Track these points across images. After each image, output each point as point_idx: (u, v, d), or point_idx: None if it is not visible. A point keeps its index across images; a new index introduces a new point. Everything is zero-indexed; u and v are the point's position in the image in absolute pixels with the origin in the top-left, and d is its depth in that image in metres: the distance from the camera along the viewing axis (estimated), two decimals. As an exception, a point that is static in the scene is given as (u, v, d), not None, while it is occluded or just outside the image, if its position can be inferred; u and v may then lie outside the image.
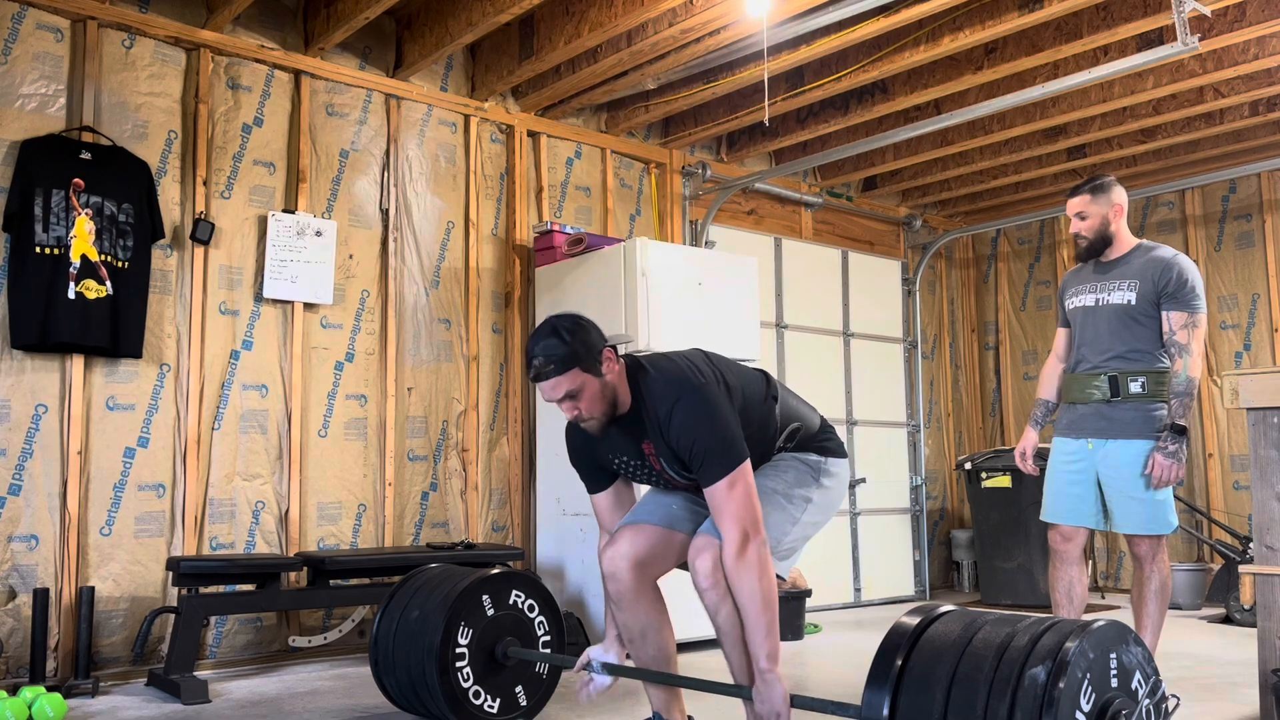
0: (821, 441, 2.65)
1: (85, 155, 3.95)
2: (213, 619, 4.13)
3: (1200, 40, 4.28)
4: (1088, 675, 1.76)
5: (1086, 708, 1.75)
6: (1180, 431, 3.23)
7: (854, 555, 6.34)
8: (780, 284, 6.18)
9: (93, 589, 3.80)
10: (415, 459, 4.80)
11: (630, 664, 2.65)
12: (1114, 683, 1.83)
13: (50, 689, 3.36)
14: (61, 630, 3.81)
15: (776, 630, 2.31)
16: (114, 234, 3.99)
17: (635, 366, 2.49)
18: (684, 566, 2.55)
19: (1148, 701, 1.88)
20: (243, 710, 3.43)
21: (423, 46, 4.71)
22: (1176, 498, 4.04)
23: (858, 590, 6.32)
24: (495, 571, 3.12)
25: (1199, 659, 4.20)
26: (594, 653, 2.64)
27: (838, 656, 4.49)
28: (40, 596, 3.66)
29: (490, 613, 3.02)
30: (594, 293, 4.70)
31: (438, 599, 3.00)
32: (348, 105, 4.77)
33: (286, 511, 4.41)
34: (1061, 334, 3.70)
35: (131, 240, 4.03)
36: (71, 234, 3.89)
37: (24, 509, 3.81)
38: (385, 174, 4.86)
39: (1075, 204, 3.52)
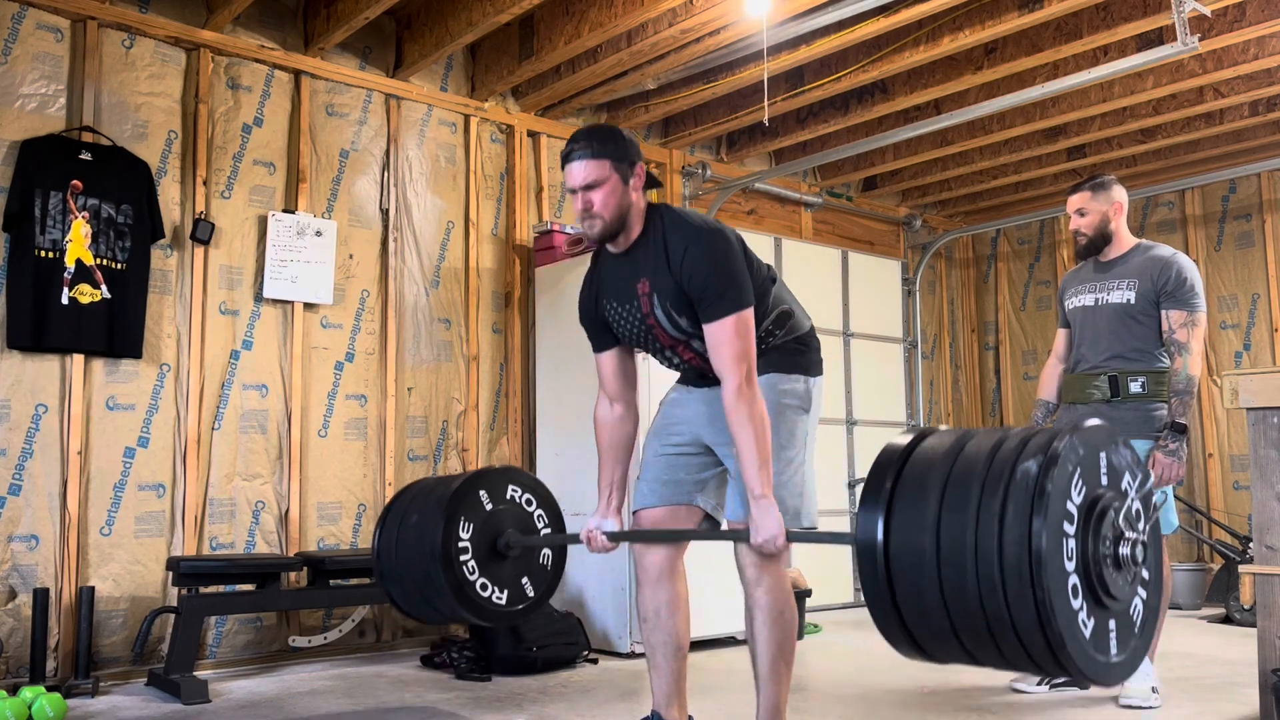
0: (808, 356, 2.65)
1: (85, 155, 3.95)
2: (213, 619, 4.13)
3: (1200, 40, 4.28)
4: (1078, 469, 1.79)
5: (1077, 499, 1.78)
6: (1181, 430, 3.23)
7: (854, 555, 6.34)
8: (780, 284, 6.17)
9: (93, 589, 3.80)
10: (415, 459, 4.80)
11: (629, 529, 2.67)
12: (1104, 480, 1.86)
13: (50, 689, 3.36)
14: (61, 630, 3.81)
15: (770, 464, 2.36)
16: (111, 236, 3.99)
17: (658, 205, 2.56)
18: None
19: (1136, 499, 1.90)
20: (243, 710, 3.43)
21: (423, 46, 4.71)
22: (1176, 498, 4.04)
23: (858, 590, 6.32)
24: (490, 467, 3.09)
25: (1199, 659, 4.20)
26: (594, 522, 2.66)
27: (838, 656, 4.49)
28: (40, 596, 3.66)
29: (489, 507, 2.99)
30: (594, 293, 4.70)
31: (435, 500, 2.97)
32: (348, 105, 4.77)
33: (286, 511, 4.41)
34: (1061, 334, 3.70)
35: (130, 241, 4.03)
36: (67, 238, 3.89)
37: (24, 509, 3.81)
38: (385, 174, 4.86)
39: (1075, 200, 3.53)
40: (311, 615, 4.42)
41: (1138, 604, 1.90)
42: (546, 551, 3.07)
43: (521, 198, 5.28)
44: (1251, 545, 5.16)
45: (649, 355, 2.68)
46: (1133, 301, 3.39)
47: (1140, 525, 1.89)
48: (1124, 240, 3.51)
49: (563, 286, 4.93)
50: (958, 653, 1.87)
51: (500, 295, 5.19)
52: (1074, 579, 1.75)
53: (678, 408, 2.67)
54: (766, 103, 5.07)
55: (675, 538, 2.57)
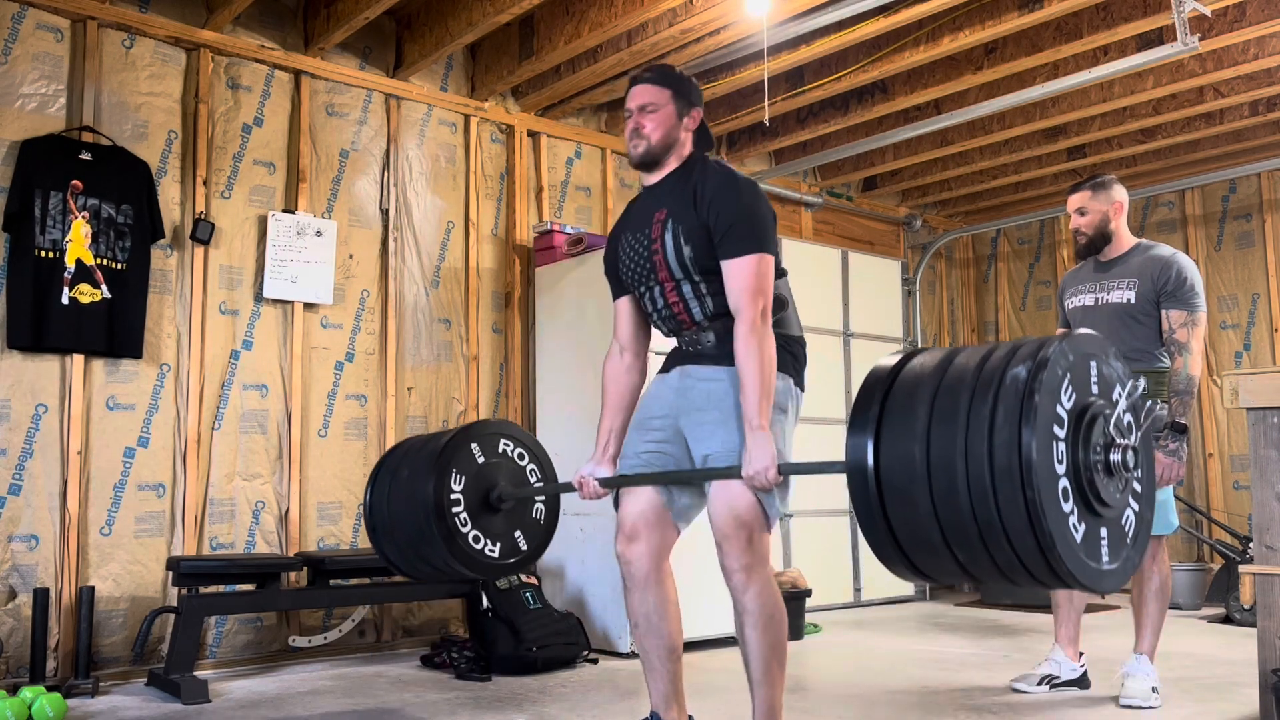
0: (790, 359, 2.62)
1: (85, 155, 3.95)
2: (213, 619, 4.13)
3: (1200, 40, 4.29)
4: (1068, 375, 1.79)
5: (1068, 405, 1.78)
6: (1181, 430, 3.23)
7: (854, 555, 6.34)
8: (780, 284, 6.17)
9: (93, 589, 3.80)
10: (415, 459, 4.80)
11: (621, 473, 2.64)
12: (1095, 389, 1.85)
13: (50, 689, 3.36)
14: (61, 630, 3.81)
15: (771, 399, 2.39)
16: (111, 236, 3.99)
17: (704, 155, 2.62)
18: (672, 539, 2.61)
19: (1127, 409, 1.89)
20: (243, 710, 3.43)
21: (423, 46, 4.71)
22: (1176, 498, 4.04)
23: (858, 590, 6.32)
24: (483, 420, 3.08)
25: (1199, 659, 4.20)
26: (587, 469, 2.68)
27: (838, 656, 4.49)
28: (40, 596, 3.66)
29: (480, 460, 2.97)
30: (594, 293, 4.70)
31: (426, 454, 2.95)
32: (348, 105, 4.77)
33: (286, 511, 4.41)
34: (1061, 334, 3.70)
35: (129, 241, 4.03)
36: (67, 238, 3.89)
37: (24, 509, 3.81)
38: (385, 174, 4.86)
39: (1075, 200, 3.54)
40: (311, 615, 4.42)
41: (1129, 515, 1.88)
42: (539, 506, 3.06)
43: (521, 198, 5.28)
44: (1251, 545, 5.17)
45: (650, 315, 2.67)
46: (1133, 301, 3.39)
47: (1132, 435, 1.87)
48: (1124, 240, 3.51)
49: (563, 286, 4.93)
50: (951, 566, 1.86)
51: (500, 295, 5.19)
52: (1064, 482, 1.74)
53: (655, 401, 2.67)
54: (766, 103, 5.07)
55: (663, 480, 2.56)
